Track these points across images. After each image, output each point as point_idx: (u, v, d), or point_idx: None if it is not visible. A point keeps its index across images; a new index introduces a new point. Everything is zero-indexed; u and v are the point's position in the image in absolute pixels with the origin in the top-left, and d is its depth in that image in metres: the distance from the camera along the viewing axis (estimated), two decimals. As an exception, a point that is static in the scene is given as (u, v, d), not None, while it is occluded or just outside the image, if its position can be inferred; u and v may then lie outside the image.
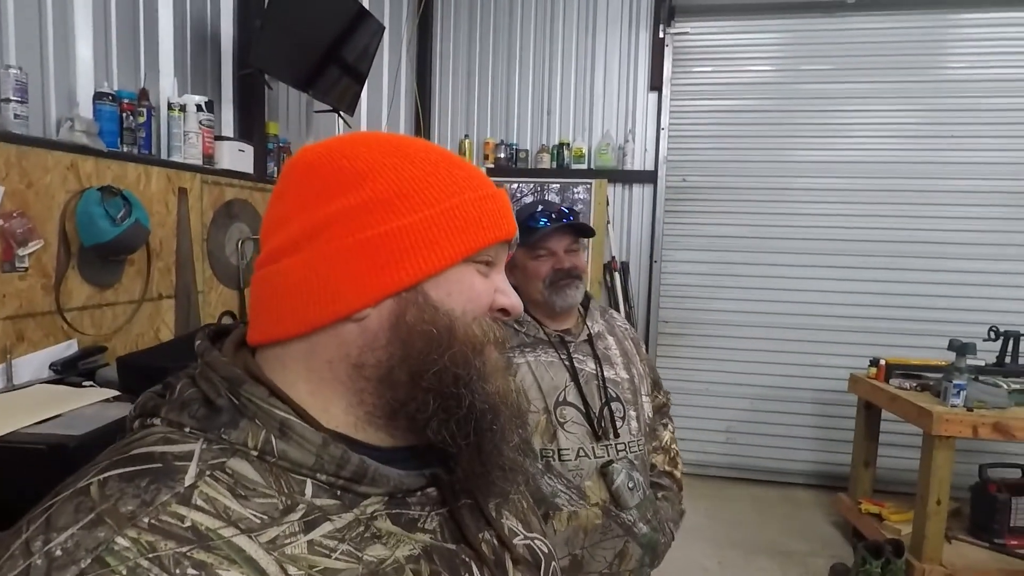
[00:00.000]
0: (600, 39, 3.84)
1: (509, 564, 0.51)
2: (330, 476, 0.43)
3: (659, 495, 1.30)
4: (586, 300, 1.34)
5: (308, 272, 0.44)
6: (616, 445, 1.20)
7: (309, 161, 0.48)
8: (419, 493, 0.48)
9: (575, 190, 3.81)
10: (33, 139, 1.62)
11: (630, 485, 1.17)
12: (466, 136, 3.96)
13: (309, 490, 0.42)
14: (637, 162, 3.81)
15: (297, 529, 0.40)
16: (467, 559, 0.47)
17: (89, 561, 0.33)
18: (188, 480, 0.38)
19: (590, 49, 3.85)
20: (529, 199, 3.87)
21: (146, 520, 0.35)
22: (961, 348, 2.50)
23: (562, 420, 1.18)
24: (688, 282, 3.77)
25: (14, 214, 1.55)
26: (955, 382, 2.48)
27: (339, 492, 0.43)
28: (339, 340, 0.45)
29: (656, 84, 3.76)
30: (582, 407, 1.20)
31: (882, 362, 2.93)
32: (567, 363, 1.22)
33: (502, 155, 3.90)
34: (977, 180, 3.50)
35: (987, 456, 3.11)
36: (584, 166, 3.83)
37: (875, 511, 2.92)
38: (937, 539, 2.47)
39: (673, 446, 1.39)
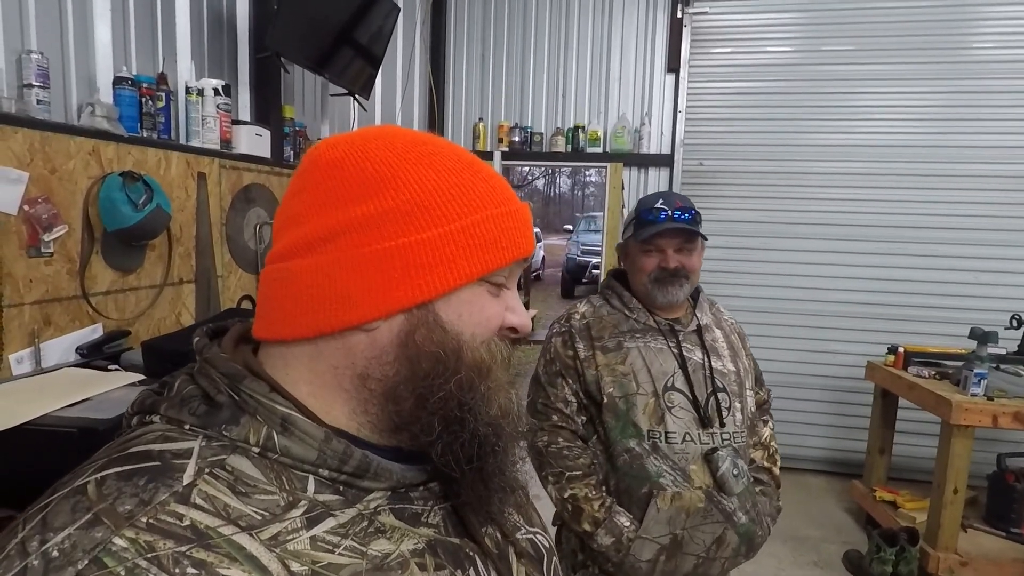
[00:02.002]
0: (617, 20, 3.77)
1: (513, 558, 0.51)
2: (332, 471, 0.42)
3: (758, 489, 1.31)
4: (696, 292, 1.37)
5: (321, 276, 0.44)
6: (721, 434, 1.22)
7: (331, 159, 0.46)
8: (421, 487, 0.48)
9: (588, 173, 3.78)
10: (56, 124, 1.63)
11: (735, 472, 1.20)
12: (480, 119, 3.93)
13: (311, 486, 0.42)
14: (653, 145, 3.77)
15: (299, 525, 0.39)
16: (471, 553, 0.47)
17: (87, 562, 0.32)
18: (187, 478, 0.38)
19: (606, 30, 3.79)
20: (540, 182, 3.83)
21: (144, 520, 0.35)
22: (983, 336, 2.47)
23: (670, 404, 1.22)
24: (705, 267, 3.68)
25: (39, 199, 1.57)
26: (976, 371, 2.46)
27: (341, 487, 0.43)
28: (346, 348, 0.45)
29: (673, 66, 3.70)
30: (689, 394, 1.23)
31: (900, 349, 2.90)
32: (675, 351, 1.26)
33: (516, 138, 3.87)
34: (1001, 164, 3.42)
35: (1005, 445, 3.09)
36: (599, 149, 3.79)
37: (890, 499, 2.92)
38: (953, 528, 2.47)
39: (772, 443, 1.39)
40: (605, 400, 1.24)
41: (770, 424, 1.42)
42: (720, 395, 1.24)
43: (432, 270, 0.44)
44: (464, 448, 0.45)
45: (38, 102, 1.59)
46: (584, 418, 1.28)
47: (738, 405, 1.26)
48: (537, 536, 0.57)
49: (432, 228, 0.44)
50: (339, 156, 0.46)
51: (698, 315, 1.32)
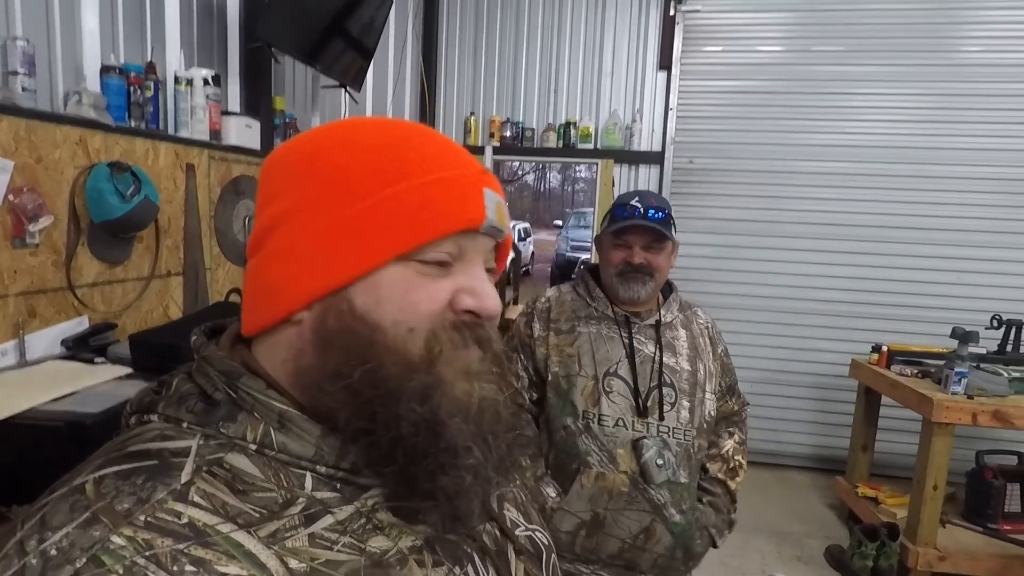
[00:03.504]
0: (609, 16, 3.77)
1: (511, 554, 0.51)
2: (330, 468, 0.42)
3: (705, 500, 1.33)
4: (669, 290, 1.40)
5: (259, 272, 0.45)
6: (659, 426, 1.25)
7: (270, 159, 0.48)
8: None
9: (578, 169, 3.79)
10: (41, 113, 1.60)
11: (659, 462, 1.22)
12: (472, 113, 3.92)
13: (309, 484, 0.42)
14: (644, 143, 3.78)
15: (298, 523, 0.39)
16: (469, 550, 0.47)
17: (84, 560, 0.32)
18: (185, 476, 0.38)
19: (599, 26, 3.79)
20: (531, 177, 3.84)
21: (142, 518, 0.35)
22: (964, 336, 2.52)
23: (608, 389, 1.26)
24: (692, 264, 3.77)
25: (24, 189, 1.54)
26: (956, 370, 2.51)
27: (339, 485, 0.43)
28: (286, 342, 0.45)
29: (665, 63, 3.71)
30: (631, 383, 1.27)
31: (884, 348, 2.95)
32: (626, 341, 1.30)
33: (508, 133, 3.87)
34: (985, 167, 3.47)
35: (984, 442, 3.16)
36: (590, 146, 3.80)
37: (871, 495, 2.97)
38: (932, 523, 2.52)
39: (736, 457, 1.40)
40: (549, 378, 1.31)
41: (736, 437, 1.42)
42: (665, 389, 1.27)
43: (339, 254, 0.42)
44: (380, 448, 0.41)
45: (23, 90, 1.56)
46: (536, 395, 1.35)
47: (686, 403, 1.28)
48: (536, 533, 0.57)
49: (342, 209, 0.42)
50: (275, 155, 0.48)
51: (662, 312, 1.35)
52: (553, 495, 1.25)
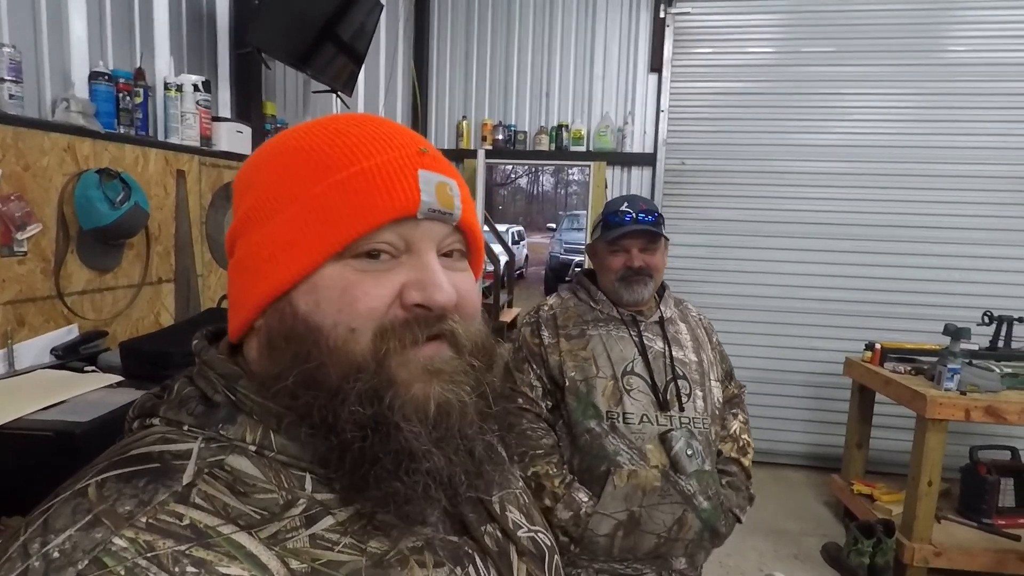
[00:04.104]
0: (600, 19, 3.79)
1: (513, 556, 0.51)
2: (328, 469, 0.42)
3: (724, 481, 1.36)
4: (662, 289, 1.43)
5: (229, 282, 0.48)
6: (680, 418, 1.27)
7: (238, 174, 0.50)
8: None
9: (571, 171, 3.80)
10: (29, 120, 1.59)
11: (688, 452, 1.24)
12: (464, 117, 3.92)
13: (309, 485, 0.42)
14: (636, 144, 3.79)
15: (298, 524, 0.39)
16: (470, 551, 0.47)
17: (87, 562, 0.32)
18: (186, 479, 0.38)
19: (590, 29, 3.80)
20: (524, 180, 3.84)
21: (144, 520, 0.35)
22: (956, 333, 2.53)
23: (628, 388, 1.28)
24: (686, 265, 3.78)
25: (12, 197, 1.53)
26: (949, 366, 2.52)
27: (338, 486, 0.43)
28: (255, 349, 0.46)
29: (656, 65, 3.73)
30: (648, 379, 1.29)
31: (877, 346, 2.96)
32: (636, 339, 1.32)
33: (500, 136, 3.87)
34: (974, 165, 3.51)
35: (977, 438, 3.18)
36: (583, 148, 3.81)
37: (867, 492, 2.98)
38: (927, 519, 2.53)
39: (743, 436, 1.43)
40: (567, 383, 1.31)
41: (740, 418, 1.46)
42: (680, 382, 1.30)
43: (278, 260, 0.42)
44: (329, 450, 0.41)
45: (11, 97, 1.55)
46: (550, 403, 1.35)
47: (699, 393, 1.31)
48: (539, 534, 0.56)
49: (275, 216, 0.43)
50: (240, 170, 0.49)
51: (662, 308, 1.39)
52: (586, 500, 1.24)
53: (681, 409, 1.27)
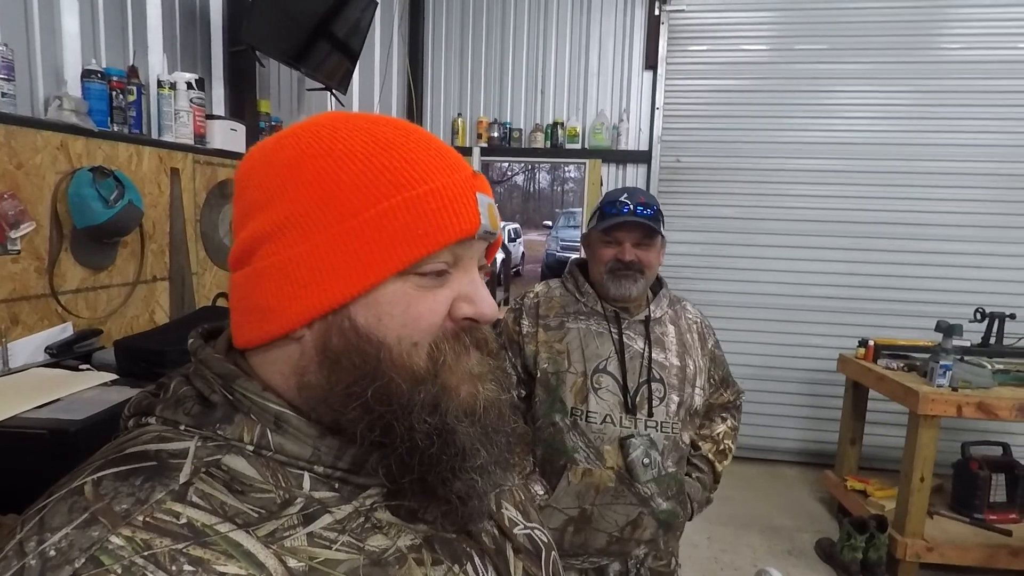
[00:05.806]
0: (595, 17, 3.79)
1: (510, 553, 0.52)
2: (327, 468, 0.43)
3: (693, 475, 1.36)
4: (658, 287, 1.39)
5: (248, 288, 0.44)
6: (647, 421, 1.25)
7: (245, 169, 0.46)
8: None
9: (567, 169, 3.80)
10: (21, 118, 1.58)
11: (644, 461, 1.23)
12: (459, 115, 3.92)
13: (307, 483, 0.42)
14: (631, 142, 3.80)
15: (296, 522, 0.40)
16: (468, 548, 0.47)
17: (83, 561, 0.32)
18: (183, 477, 0.38)
19: (584, 27, 3.80)
20: (520, 178, 3.84)
21: (140, 518, 0.35)
22: (948, 329, 2.55)
23: (597, 386, 1.26)
24: (681, 262, 3.79)
25: (5, 195, 1.52)
26: (941, 363, 2.54)
27: (337, 484, 0.43)
28: (285, 357, 0.45)
29: (651, 63, 3.73)
30: (620, 379, 1.26)
31: (870, 342, 2.98)
32: (615, 337, 1.29)
33: (495, 134, 3.87)
34: (967, 162, 3.52)
35: (969, 434, 3.20)
36: (578, 146, 3.81)
37: (860, 488, 3.00)
38: (920, 515, 2.55)
39: (727, 441, 1.42)
40: (539, 375, 1.30)
41: (729, 423, 1.45)
42: (654, 384, 1.27)
43: (336, 272, 0.41)
44: (398, 460, 0.42)
45: (3, 95, 1.54)
46: (524, 392, 1.34)
47: (675, 398, 1.29)
48: (535, 531, 0.57)
49: (335, 225, 0.42)
50: (251, 164, 0.46)
51: (651, 308, 1.34)
52: (541, 492, 1.25)
53: (650, 414, 1.25)
